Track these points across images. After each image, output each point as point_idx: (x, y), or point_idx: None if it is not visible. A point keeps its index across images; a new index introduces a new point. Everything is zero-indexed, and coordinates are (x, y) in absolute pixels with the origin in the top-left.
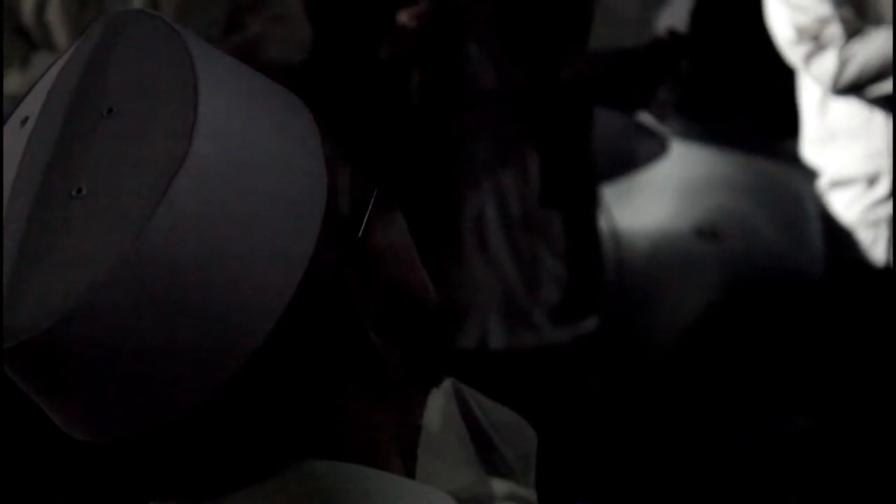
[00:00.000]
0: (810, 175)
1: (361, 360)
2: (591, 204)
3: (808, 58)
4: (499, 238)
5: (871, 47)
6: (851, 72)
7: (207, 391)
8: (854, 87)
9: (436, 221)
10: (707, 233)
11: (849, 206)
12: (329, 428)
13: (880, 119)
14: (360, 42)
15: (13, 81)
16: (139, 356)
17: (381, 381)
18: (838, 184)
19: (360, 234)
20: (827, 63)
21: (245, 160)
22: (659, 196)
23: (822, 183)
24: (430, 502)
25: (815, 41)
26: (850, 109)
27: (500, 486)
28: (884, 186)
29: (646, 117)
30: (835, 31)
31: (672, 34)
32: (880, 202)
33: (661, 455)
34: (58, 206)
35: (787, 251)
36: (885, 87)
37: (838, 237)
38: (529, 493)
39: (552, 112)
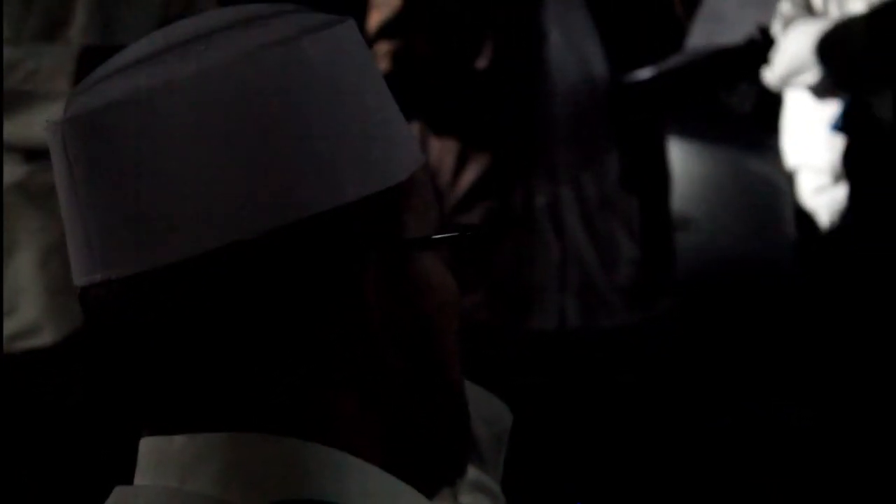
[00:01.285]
0: (781, 163)
1: (359, 355)
2: (665, 188)
3: None
4: (575, 219)
5: (791, 41)
6: (778, 65)
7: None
8: (783, 80)
9: (513, 202)
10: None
11: (805, 193)
12: (312, 410)
13: (824, 110)
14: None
15: None
16: (221, 161)
17: (372, 385)
18: (798, 171)
19: (406, 247)
20: None
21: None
22: None
23: (787, 170)
24: (403, 497)
25: None
26: (802, 99)
27: (469, 471)
28: (825, 175)
29: None
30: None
31: (762, 31)
32: (823, 189)
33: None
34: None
35: (755, 239)
36: (805, 79)
37: (805, 224)
38: (494, 486)
39: (633, 101)
